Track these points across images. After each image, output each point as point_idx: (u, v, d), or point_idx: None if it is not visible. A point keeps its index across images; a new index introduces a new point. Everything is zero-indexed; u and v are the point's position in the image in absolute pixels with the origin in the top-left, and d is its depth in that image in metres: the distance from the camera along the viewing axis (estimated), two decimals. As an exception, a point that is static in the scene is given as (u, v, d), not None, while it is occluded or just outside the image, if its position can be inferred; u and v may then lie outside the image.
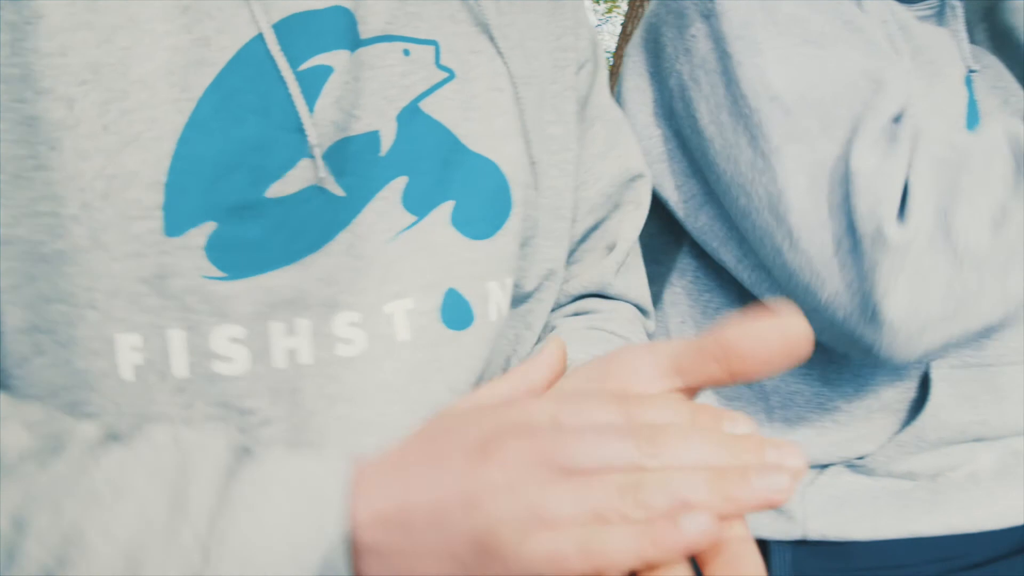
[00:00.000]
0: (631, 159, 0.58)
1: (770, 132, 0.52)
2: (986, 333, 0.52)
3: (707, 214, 0.59)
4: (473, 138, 0.45)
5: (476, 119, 0.45)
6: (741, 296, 0.64)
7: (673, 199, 0.61)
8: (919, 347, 0.50)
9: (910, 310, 0.48)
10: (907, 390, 0.61)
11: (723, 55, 0.54)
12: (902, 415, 0.61)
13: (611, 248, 0.57)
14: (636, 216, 0.58)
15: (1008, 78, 0.65)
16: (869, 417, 0.60)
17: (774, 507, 0.25)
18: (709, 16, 0.55)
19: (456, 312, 0.43)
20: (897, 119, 0.51)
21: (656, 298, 0.69)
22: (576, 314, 0.55)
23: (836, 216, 0.50)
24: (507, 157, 0.46)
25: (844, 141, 0.50)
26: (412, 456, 0.29)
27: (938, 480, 0.60)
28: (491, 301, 0.45)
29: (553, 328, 0.53)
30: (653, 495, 0.24)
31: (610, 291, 0.56)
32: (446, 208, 0.43)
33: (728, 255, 0.59)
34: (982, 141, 0.50)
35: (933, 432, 0.59)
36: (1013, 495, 0.60)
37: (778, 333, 0.26)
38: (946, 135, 0.51)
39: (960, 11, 0.64)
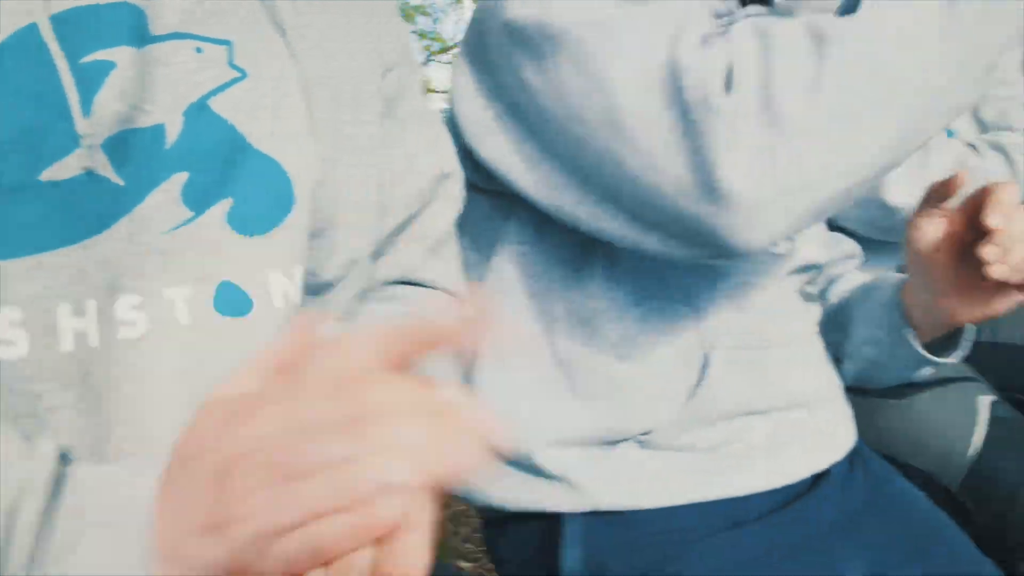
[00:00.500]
0: (444, 159, 0.61)
1: (596, 52, 0.54)
2: (847, 200, 0.54)
3: (544, 168, 0.60)
4: (259, 137, 0.47)
5: (264, 119, 0.47)
6: (564, 277, 0.69)
7: (512, 168, 0.62)
8: (765, 225, 0.52)
9: (747, 181, 0.50)
10: (689, 370, 0.67)
11: (535, 11, 0.57)
12: (684, 394, 0.67)
13: (423, 240, 0.60)
14: (448, 210, 0.62)
15: None
16: (654, 395, 0.66)
17: (471, 477, 0.29)
18: None
19: (231, 301, 0.45)
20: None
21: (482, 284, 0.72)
22: (385, 300, 0.58)
23: (670, 107, 0.52)
24: (293, 156, 0.48)
25: (667, 45, 0.53)
26: (170, 489, 0.31)
27: (717, 451, 0.66)
28: (274, 289, 0.47)
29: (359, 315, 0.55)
30: (359, 484, 0.28)
31: (419, 277, 0.59)
32: (223, 206, 0.45)
33: (568, 200, 0.60)
34: (783, 31, 0.53)
35: (711, 408, 0.66)
36: (781, 460, 0.68)
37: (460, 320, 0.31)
38: (755, 27, 0.54)
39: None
